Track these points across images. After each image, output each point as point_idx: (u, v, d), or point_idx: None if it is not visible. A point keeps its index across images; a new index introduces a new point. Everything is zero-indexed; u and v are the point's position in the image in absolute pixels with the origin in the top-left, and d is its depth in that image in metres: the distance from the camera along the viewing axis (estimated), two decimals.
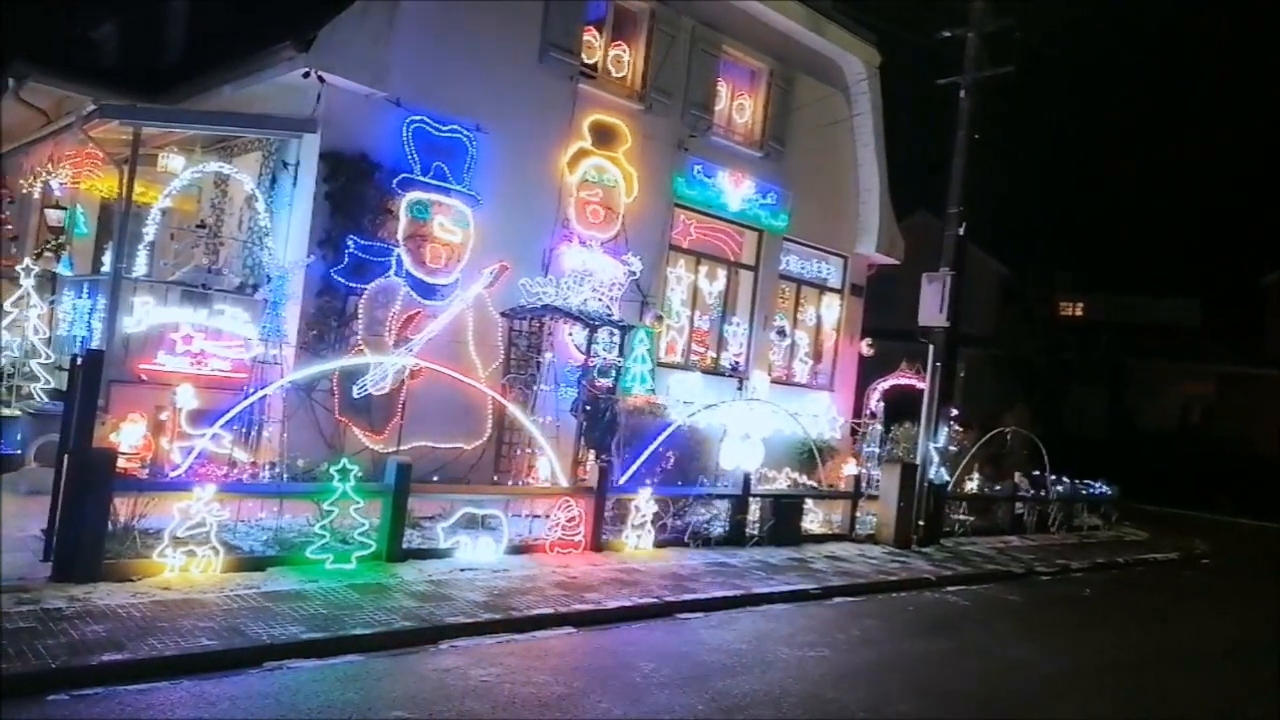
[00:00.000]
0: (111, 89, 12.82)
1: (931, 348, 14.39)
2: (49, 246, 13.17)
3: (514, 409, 11.09)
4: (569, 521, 9.82)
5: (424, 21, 11.51)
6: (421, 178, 11.57)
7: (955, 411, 17.24)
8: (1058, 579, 13.14)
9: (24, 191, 13.40)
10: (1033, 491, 17.28)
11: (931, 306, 14.24)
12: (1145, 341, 32.83)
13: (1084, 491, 18.53)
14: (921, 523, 13.81)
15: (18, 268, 11.77)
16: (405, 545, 8.62)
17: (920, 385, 15.10)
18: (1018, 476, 17.49)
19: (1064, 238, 42.29)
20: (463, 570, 8.49)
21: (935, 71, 14.87)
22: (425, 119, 11.60)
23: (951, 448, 15.37)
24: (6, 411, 11.01)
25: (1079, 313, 38.99)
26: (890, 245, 18.48)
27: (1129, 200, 48.54)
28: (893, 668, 7.53)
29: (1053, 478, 17.82)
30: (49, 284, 12.10)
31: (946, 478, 14.69)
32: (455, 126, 11.89)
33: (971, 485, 16.88)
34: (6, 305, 11.46)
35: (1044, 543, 15.97)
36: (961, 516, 15.60)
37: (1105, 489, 19.17)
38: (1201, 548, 18.01)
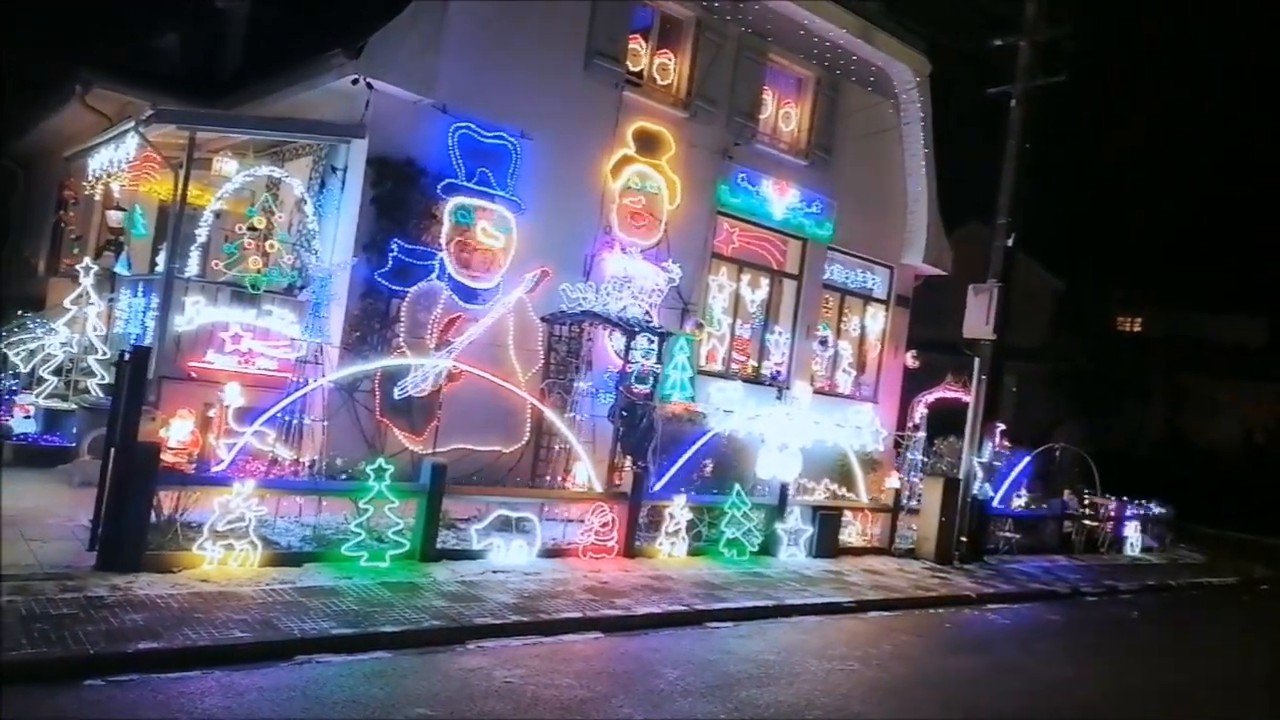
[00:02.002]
0: (171, 95, 13.24)
1: (977, 361, 14.13)
2: (108, 246, 13.61)
3: (550, 414, 11.15)
4: (602, 527, 9.84)
5: (471, 29, 11.68)
6: (465, 183, 11.72)
7: (1002, 426, 16.93)
8: (1105, 600, 12.79)
9: (87, 193, 13.88)
10: (1082, 510, 16.84)
11: (978, 319, 13.99)
12: (1206, 359, 31.83)
13: (1137, 511, 18.00)
14: (964, 539, 13.54)
15: (78, 267, 12.20)
16: (439, 545, 8.72)
17: (965, 399, 14.83)
18: (1066, 494, 17.07)
19: (1121, 250, 41.20)
20: (494, 572, 8.56)
21: (988, 80, 14.64)
22: (470, 125, 11.76)
23: (997, 463, 15.06)
24: (64, 405, 11.42)
25: (1137, 328, 37.98)
26: (938, 256, 18.21)
27: (1192, 213, 47.15)
28: (924, 684, 7.40)
29: (1103, 497, 17.36)
30: (108, 283, 12.50)
31: (991, 493, 14.40)
32: (500, 133, 12.02)
33: (1019, 502, 16.54)
34: (66, 303, 11.88)
35: (1092, 563, 15.55)
36: (1007, 534, 15.28)
37: (1160, 509, 18.60)
38: (1261, 573, 17.38)
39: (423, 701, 5.58)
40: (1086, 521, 16.78)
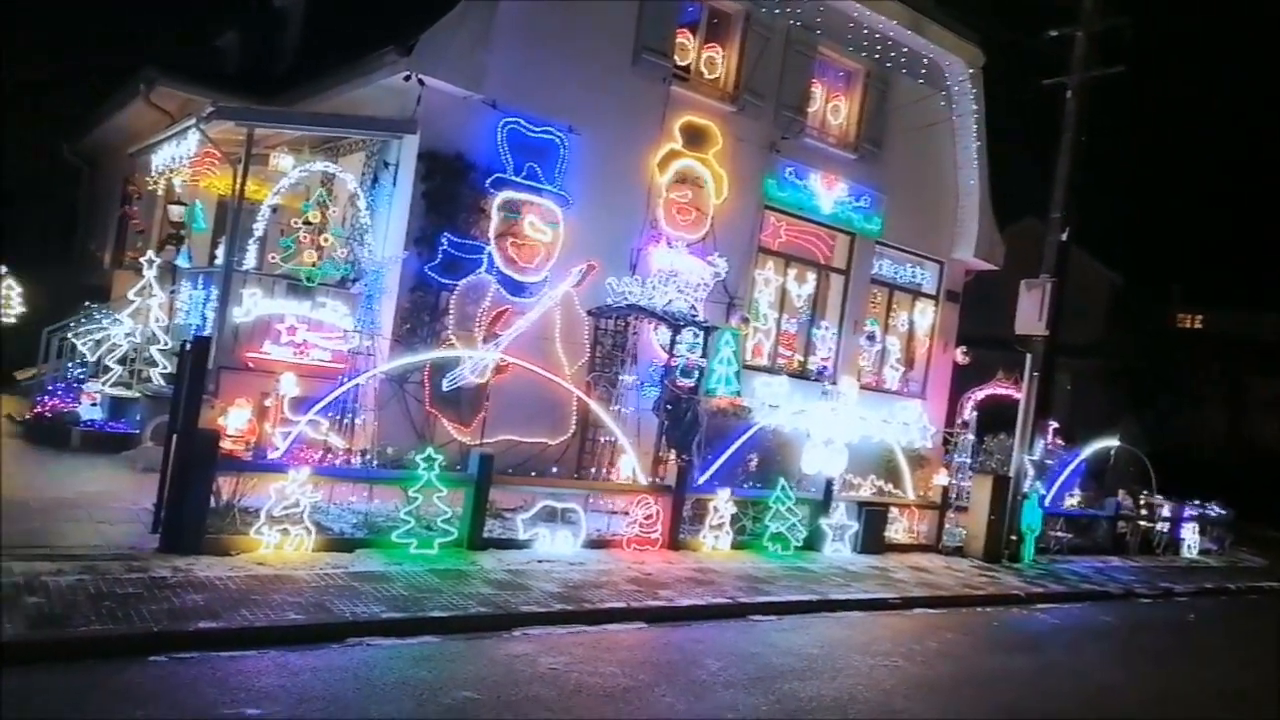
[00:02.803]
0: (231, 92, 13.61)
1: (1029, 357, 13.89)
2: (170, 240, 14.04)
3: (596, 406, 11.25)
4: (646, 519, 9.91)
5: (520, 26, 11.80)
6: (514, 178, 11.86)
7: (1055, 424, 16.62)
8: (1159, 603, 12.52)
9: (149, 188, 14.33)
10: (1136, 510, 16.47)
11: (1030, 314, 13.75)
12: (1269, 360, 30.83)
13: (1195, 513, 17.54)
14: (1014, 537, 13.35)
15: (142, 259, 12.60)
16: (486, 534, 8.86)
17: (1017, 395, 14.60)
18: (1121, 494, 16.72)
19: (1183, 246, 40.04)
20: (540, 561, 8.68)
21: (1043, 71, 14.35)
22: (519, 120, 11.89)
23: (1048, 461, 14.81)
24: (128, 393, 11.82)
25: (1198, 325, 36.91)
26: (990, 251, 17.93)
27: (1258, 210, 45.64)
28: (969, 683, 7.34)
29: (1160, 497, 16.95)
30: (169, 275, 12.90)
31: (1042, 491, 14.16)
32: (548, 128, 12.14)
33: (1071, 501, 16.23)
34: (130, 294, 12.29)
35: (1147, 564, 15.21)
36: (1058, 533, 15.01)
37: (1219, 511, 18.10)
38: None
39: (468, 685, 5.70)
40: (1141, 522, 16.42)
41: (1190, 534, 17.13)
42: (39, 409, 11.79)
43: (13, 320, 13.38)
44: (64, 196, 21.65)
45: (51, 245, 20.90)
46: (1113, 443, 17.24)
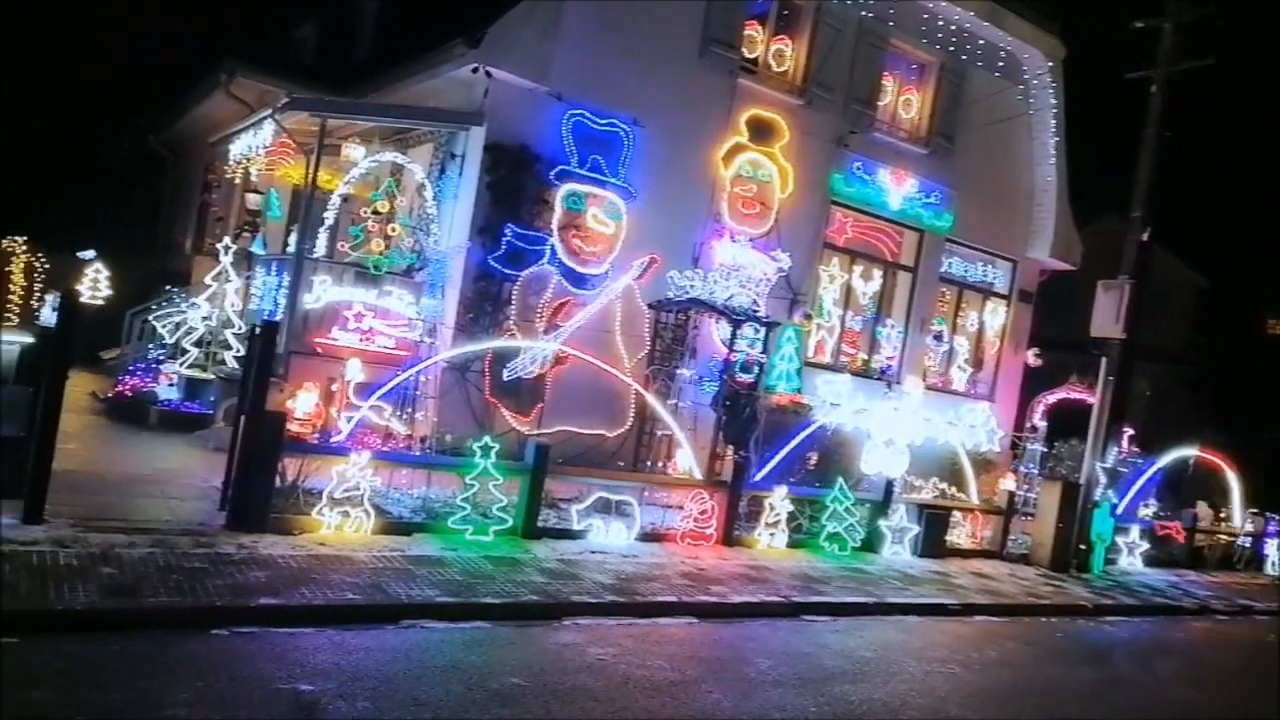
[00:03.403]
0: (306, 84, 13.94)
1: (1105, 361, 13.42)
2: (246, 227, 14.48)
3: (654, 400, 11.24)
4: (701, 514, 9.87)
5: (587, 18, 11.82)
6: (578, 170, 11.90)
7: (1130, 431, 16.04)
8: (1237, 620, 12.00)
9: (228, 177, 14.79)
10: (1216, 523, 15.80)
11: (1107, 316, 13.28)
12: None
13: None
14: (1083, 546, 12.93)
15: (219, 246, 13.02)
16: (540, 524, 8.94)
17: (1090, 400, 14.11)
18: (1200, 505, 16.05)
19: (1274, 248, 38.12)
20: (593, 552, 8.71)
21: (1128, 63, 13.80)
22: (584, 113, 11.92)
23: (1122, 469, 14.30)
24: (203, 375, 12.23)
25: None
26: (1066, 250, 17.37)
27: None
28: (1028, 693, 7.13)
29: (1243, 511, 16.22)
30: (245, 261, 13.30)
31: (1114, 500, 13.67)
32: (613, 120, 12.15)
33: (1145, 511, 15.64)
34: (207, 279, 12.71)
35: (1226, 580, 14.59)
36: (1131, 542, 14.48)
37: None
38: None
39: (517, 671, 5.75)
40: (1222, 536, 15.74)
41: (1275, 550, 16.36)
42: (120, 388, 12.28)
43: (100, 303, 13.96)
44: (150, 185, 22.52)
45: (137, 232, 21.74)
46: (1192, 452, 16.56)
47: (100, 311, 13.91)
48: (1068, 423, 16.07)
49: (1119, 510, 13.97)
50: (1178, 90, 13.36)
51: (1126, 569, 13.72)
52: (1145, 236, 13.45)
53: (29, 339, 7.45)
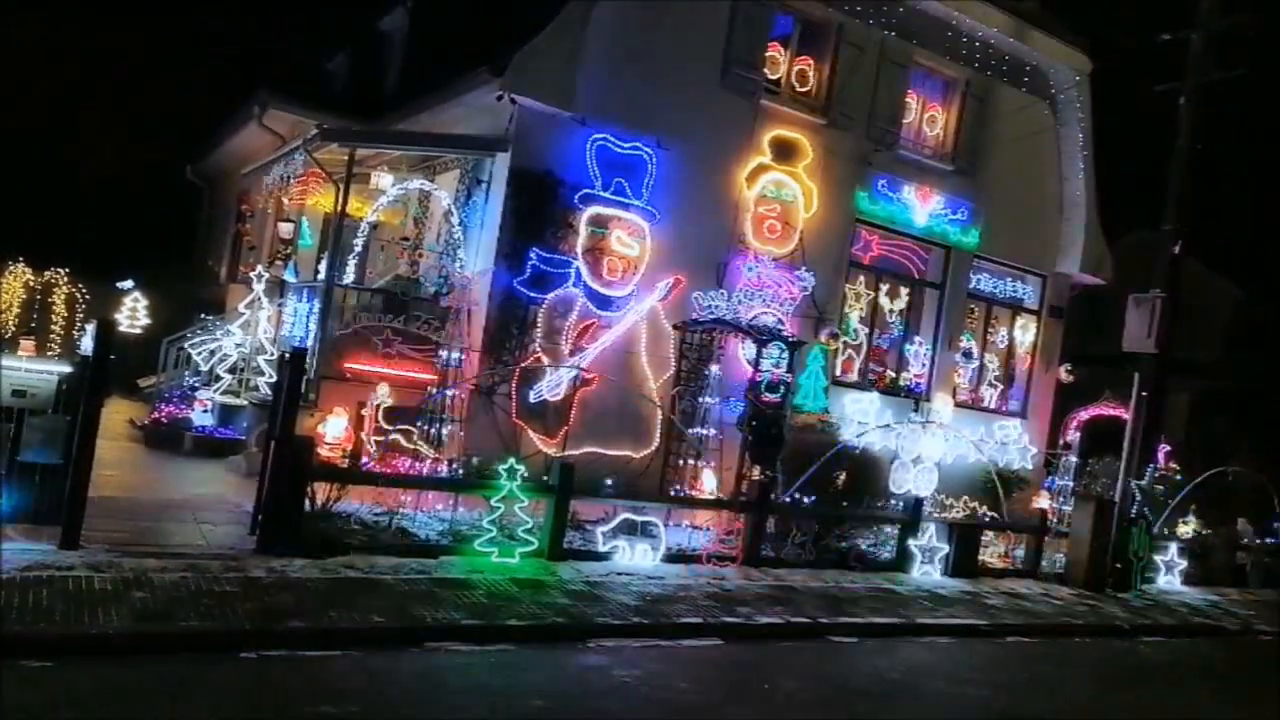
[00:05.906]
0: (336, 114, 14.23)
1: (1138, 376, 13.22)
2: (279, 255, 14.77)
3: (678, 421, 11.24)
4: (727, 534, 9.85)
5: (610, 43, 11.96)
6: (602, 193, 12.00)
7: (1167, 447, 15.75)
8: None
9: (261, 206, 15.13)
10: (1258, 541, 15.42)
11: (1138, 332, 13.07)
12: None
13: None
14: (1119, 565, 12.69)
15: (252, 274, 13.30)
16: (566, 545, 8.97)
17: (1124, 416, 13.89)
18: (1241, 523, 15.68)
19: None
20: (619, 574, 8.72)
21: (1157, 75, 13.66)
22: (608, 137, 12.03)
23: (1159, 486, 14.03)
24: (236, 401, 12.46)
25: None
26: (1097, 264, 17.14)
27: None
28: (1061, 716, 7.00)
29: None
30: (277, 289, 13.56)
31: (1150, 517, 13.41)
32: (636, 144, 12.25)
33: (1185, 530, 15.32)
34: (241, 307, 12.97)
35: (1269, 599, 14.20)
36: (1169, 561, 14.18)
37: None
38: None
39: (541, 694, 5.77)
40: (1265, 555, 15.35)
41: None
42: (156, 415, 12.55)
43: (139, 331, 14.30)
44: (186, 215, 23.06)
45: (174, 261, 22.26)
46: (1233, 468, 16.19)
47: (138, 340, 14.24)
48: (1102, 439, 15.80)
49: (1156, 527, 13.70)
50: (1210, 101, 13.19)
51: (1165, 588, 13.43)
52: (1177, 250, 13.26)
53: (68, 369, 7.63)
